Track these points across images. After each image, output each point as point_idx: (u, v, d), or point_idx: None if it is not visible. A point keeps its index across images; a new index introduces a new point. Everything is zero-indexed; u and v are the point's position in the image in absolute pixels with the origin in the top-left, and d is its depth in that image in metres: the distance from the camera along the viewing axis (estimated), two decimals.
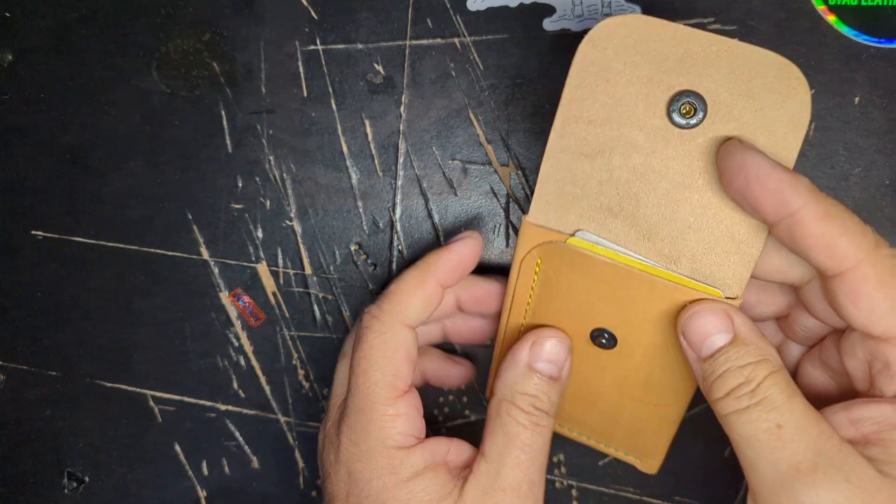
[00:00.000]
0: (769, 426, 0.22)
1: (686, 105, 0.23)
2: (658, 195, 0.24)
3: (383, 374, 0.27)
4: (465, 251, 0.29)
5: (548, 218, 0.26)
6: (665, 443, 0.30)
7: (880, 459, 0.21)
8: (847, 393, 0.26)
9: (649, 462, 0.31)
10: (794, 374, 0.28)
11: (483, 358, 0.35)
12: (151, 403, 0.36)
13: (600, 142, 0.24)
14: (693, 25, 0.31)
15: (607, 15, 0.31)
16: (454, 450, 0.28)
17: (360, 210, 0.34)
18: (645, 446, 0.31)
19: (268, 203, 0.34)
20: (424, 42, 0.32)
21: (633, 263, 0.25)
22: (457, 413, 0.36)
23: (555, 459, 0.35)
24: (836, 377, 0.27)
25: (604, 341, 0.28)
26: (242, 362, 0.35)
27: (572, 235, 0.26)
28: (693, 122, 0.23)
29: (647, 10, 0.31)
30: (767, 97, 0.23)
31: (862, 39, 0.31)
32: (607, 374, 0.29)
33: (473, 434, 0.33)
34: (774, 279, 0.25)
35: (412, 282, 0.28)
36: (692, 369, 0.26)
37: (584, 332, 0.28)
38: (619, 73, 0.23)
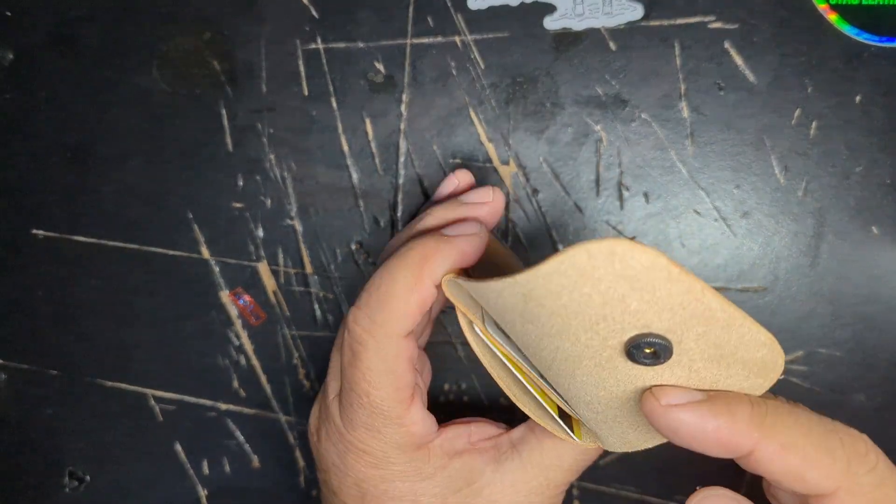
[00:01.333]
0: None
1: (652, 349, 0.20)
2: (574, 376, 0.23)
3: (388, 391, 0.25)
4: (468, 249, 0.25)
5: (462, 300, 0.25)
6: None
7: None
8: None
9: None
10: None
11: None
12: (152, 402, 0.36)
13: (542, 320, 0.21)
14: (694, 24, 0.31)
15: (608, 14, 0.31)
16: (475, 431, 0.28)
17: (361, 209, 0.34)
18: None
19: (268, 202, 0.34)
20: (425, 41, 0.32)
21: (525, 378, 0.25)
22: (458, 399, 0.36)
23: None
24: None
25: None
26: (243, 361, 0.35)
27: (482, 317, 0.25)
28: (647, 362, 0.21)
29: (648, 9, 0.31)
30: (738, 369, 0.21)
31: (863, 38, 0.30)
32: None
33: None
34: None
35: (405, 284, 0.24)
36: None
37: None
38: (601, 292, 0.19)
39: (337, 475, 0.27)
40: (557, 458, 0.27)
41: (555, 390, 0.25)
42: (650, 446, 0.24)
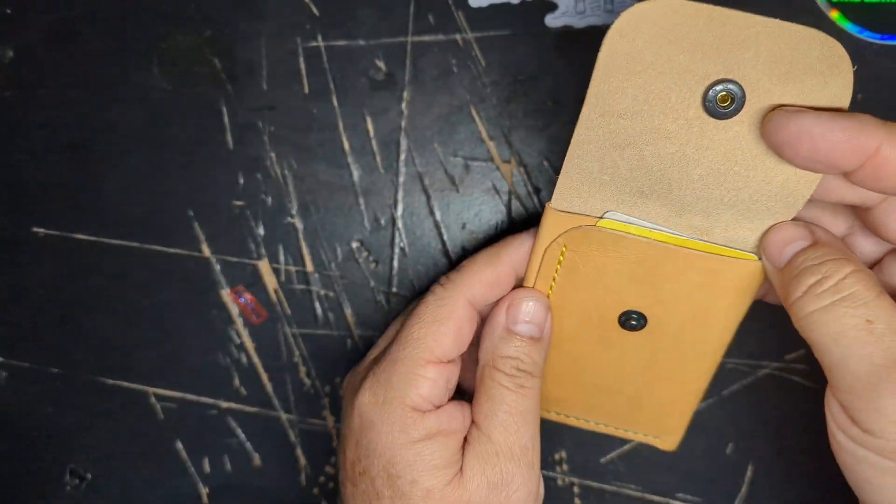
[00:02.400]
0: (858, 322, 0.21)
1: (723, 94, 0.22)
2: (692, 179, 0.24)
3: (426, 333, 0.27)
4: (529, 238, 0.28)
5: (573, 203, 0.26)
6: (688, 417, 0.31)
7: None
8: None
9: (671, 439, 0.31)
10: None
11: None
12: (153, 401, 0.36)
13: (631, 134, 0.24)
14: None
15: (609, 11, 0.31)
16: (468, 417, 0.28)
17: (362, 207, 0.34)
18: (668, 424, 0.31)
19: (269, 200, 0.34)
20: (426, 38, 0.32)
21: (666, 238, 0.26)
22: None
23: (556, 457, 0.35)
24: None
25: (633, 323, 0.28)
26: (244, 360, 0.35)
27: (601, 218, 0.26)
28: (730, 110, 0.22)
29: None
30: (809, 79, 0.21)
31: (865, 36, 0.30)
32: (635, 357, 0.29)
33: None
34: (837, 200, 0.24)
35: (484, 259, 0.28)
36: (723, 337, 0.27)
37: (611, 316, 0.28)
38: (650, 64, 0.22)
39: (344, 430, 0.29)
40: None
41: (702, 238, 0.26)
42: (803, 199, 0.24)
